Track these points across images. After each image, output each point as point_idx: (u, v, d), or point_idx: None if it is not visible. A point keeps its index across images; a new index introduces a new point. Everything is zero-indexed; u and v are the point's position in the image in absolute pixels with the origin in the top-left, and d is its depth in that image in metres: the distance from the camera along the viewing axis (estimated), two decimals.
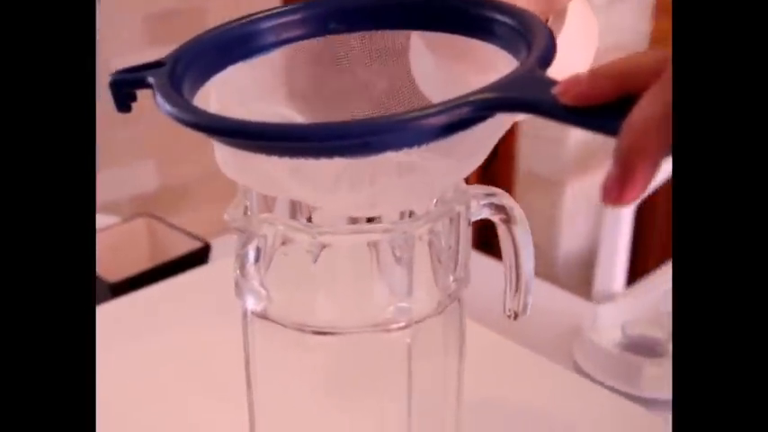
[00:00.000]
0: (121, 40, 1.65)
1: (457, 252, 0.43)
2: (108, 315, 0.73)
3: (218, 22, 0.46)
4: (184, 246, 0.94)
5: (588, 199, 1.76)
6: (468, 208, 0.43)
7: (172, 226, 0.99)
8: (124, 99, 0.41)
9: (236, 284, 0.43)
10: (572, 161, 1.73)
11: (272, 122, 0.41)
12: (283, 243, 0.42)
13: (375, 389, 0.45)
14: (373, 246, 0.42)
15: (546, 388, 0.66)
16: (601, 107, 0.33)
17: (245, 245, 0.42)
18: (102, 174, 1.67)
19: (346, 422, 0.45)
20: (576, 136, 1.70)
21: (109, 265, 0.90)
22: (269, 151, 0.37)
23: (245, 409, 0.47)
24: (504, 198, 0.45)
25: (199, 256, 0.93)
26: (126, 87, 0.41)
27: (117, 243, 0.96)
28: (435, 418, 0.46)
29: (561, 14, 0.46)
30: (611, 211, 1.59)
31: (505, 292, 0.47)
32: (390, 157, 0.37)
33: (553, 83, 0.35)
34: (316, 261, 0.41)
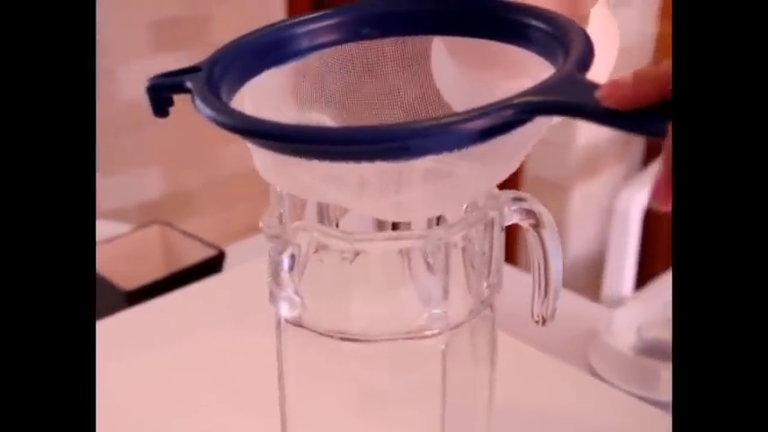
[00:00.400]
0: (126, 47, 1.66)
1: (490, 258, 0.43)
2: (124, 324, 0.73)
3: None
4: (198, 253, 0.94)
5: (595, 203, 1.76)
6: (501, 214, 0.43)
7: (185, 233, 0.99)
8: (162, 104, 0.41)
9: (270, 292, 0.43)
10: (579, 165, 1.73)
11: (313, 126, 0.41)
12: (317, 250, 0.42)
13: (409, 397, 0.45)
14: (406, 253, 0.42)
15: (565, 392, 0.65)
16: (644, 110, 0.34)
17: (279, 252, 0.42)
18: (107, 181, 1.68)
19: (380, 430, 0.45)
20: (583, 140, 1.70)
21: (123, 273, 0.90)
22: (309, 155, 0.37)
23: (266, 416, 0.47)
24: (533, 203, 0.45)
25: (214, 264, 0.93)
26: (164, 92, 0.41)
27: (131, 251, 0.96)
28: (467, 427, 0.46)
29: (584, 19, 0.46)
30: (619, 215, 1.59)
31: (533, 298, 0.47)
32: (427, 161, 0.37)
33: (595, 86, 0.35)
34: (350, 268, 0.41)
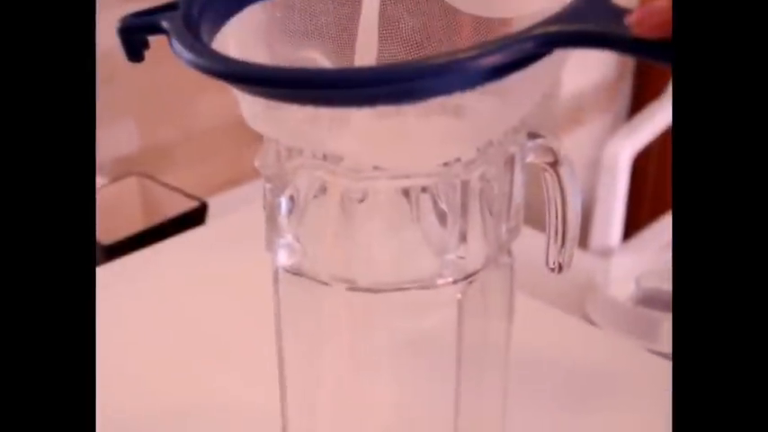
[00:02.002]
0: None
1: (510, 198, 0.39)
2: (105, 279, 0.70)
3: None
4: (179, 205, 0.90)
5: (582, 152, 1.73)
6: (522, 150, 0.39)
7: (165, 185, 0.95)
8: (136, 47, 0.37)
9: (267, 239, 0.39)
10: (564, 114, 1.70)
11: (308, 68, 0.37)
12: (317, 193, 0.38)
13: (421, 351, 0.41)
14: (415, 199, 0.38)
15: (570, 342, 0.63)
16: None
17: (277, 194, 0.38)
18: None
19: (388, 386, 0.42)
20: (569, 87, 1.67)
21: (101, 226, 0.86)
22: (302, 100, 0.33)
23: (257, 372, 0.45)
24: (550, 139, 0.42)
25: (196, 216, 0.89)
26: (138, 34, 0.37)
27: (108, 204, 0.92)
28: (483, 383, 0.43)
29: None
30: (605, 165, 1.56)
31: (548, 245, 0.44)
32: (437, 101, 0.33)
33: (624, 12, 0.32)
34: (355, 211, 0.37)
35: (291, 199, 0.38)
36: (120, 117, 1.74)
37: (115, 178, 0.98)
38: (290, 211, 0.38)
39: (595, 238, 1.53)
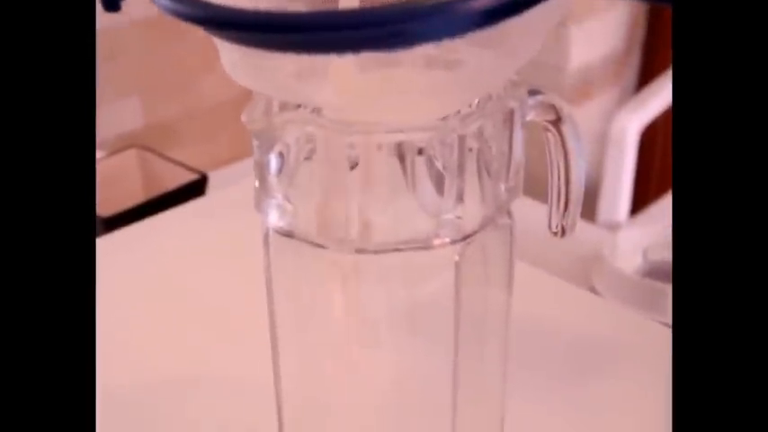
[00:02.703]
0: None
1: (510, 156, 0.38)
2: (103, 249, 0.69)
3: None
4: (179, 178, 0.89)
5: (590, 126, 1.71)
6: (523, 105, 0.38)
7: (164, 157, 0.94)
8: None
9: (256, 199, 0.38)
10: (572, 88, 1.68)
11: (284, 11, 0.36)
12: (308, 153, 0.36)
13: (416, 318, 0.40)
14: (412, 158, 0.37)
15: (569, 310, 0.62)
16: None
17: (265, 152, 0.36)
18: None
19: (381, 356, 0.41)
20: (576, 62, 1.65)
21: (101, 198, 0.85)
22: (281, 46, 0.32)
23: (256, 343, 0.44)
24: (552, 96, 0.40)
25: (195, 188, 0.88)
26: None
27: (107, 176, 0.91)
28: (482, 355, 0.41)
29: None
30: (613, 139, 1.54)
31: (551, 208, 0.42)
32: (424, 49, 0.31)
33: None
34: (349, 168, 0.35)
35: (281, 156, 0.36)
36: (124, 95, 1.72)
37: (116, 149, 0.97)
38: (280, 170, 0.36)
39: (603, 213, 1.51)
